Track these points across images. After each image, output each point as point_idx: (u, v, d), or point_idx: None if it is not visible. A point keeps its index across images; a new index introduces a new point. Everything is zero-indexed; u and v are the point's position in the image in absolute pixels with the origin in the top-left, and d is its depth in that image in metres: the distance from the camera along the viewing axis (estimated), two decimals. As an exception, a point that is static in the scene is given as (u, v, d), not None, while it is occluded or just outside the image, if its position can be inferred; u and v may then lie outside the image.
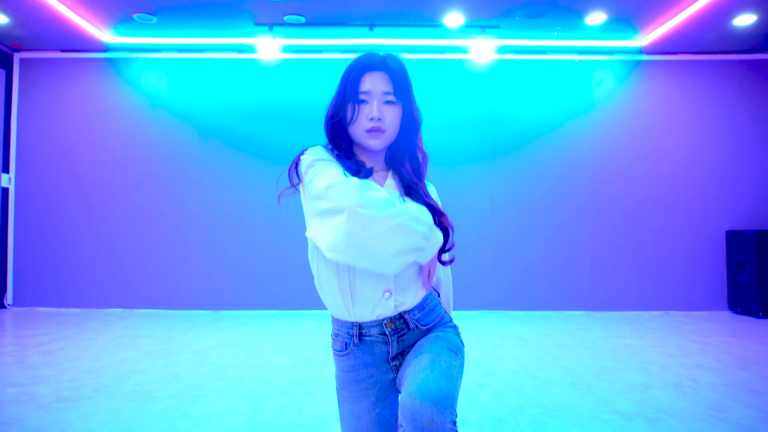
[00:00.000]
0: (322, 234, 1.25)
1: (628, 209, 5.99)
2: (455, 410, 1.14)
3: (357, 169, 1.33)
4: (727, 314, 5.69)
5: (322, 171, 1.28)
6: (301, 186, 1.36)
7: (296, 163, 1.38)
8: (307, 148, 1.39)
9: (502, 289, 5.92)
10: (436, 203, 1.39)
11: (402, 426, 1.13)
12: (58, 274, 5.92)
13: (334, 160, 1.34)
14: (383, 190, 1.25)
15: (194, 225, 5.98)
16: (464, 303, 5.80)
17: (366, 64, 1.37)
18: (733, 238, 5.76)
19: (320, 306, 5.53)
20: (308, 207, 1.33)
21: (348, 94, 1.36)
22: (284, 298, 5.86)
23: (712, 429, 2.35)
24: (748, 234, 5.53)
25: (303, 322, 5.15)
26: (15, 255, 5.94)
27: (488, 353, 3.88)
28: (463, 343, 1.40)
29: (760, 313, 5.38)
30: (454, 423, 1.11)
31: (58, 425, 2.38)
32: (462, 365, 1.33)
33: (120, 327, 4.90)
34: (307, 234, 1.34)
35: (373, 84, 1.35)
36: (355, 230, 1.18)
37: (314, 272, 1.42)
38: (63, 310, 5.81)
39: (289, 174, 1.40)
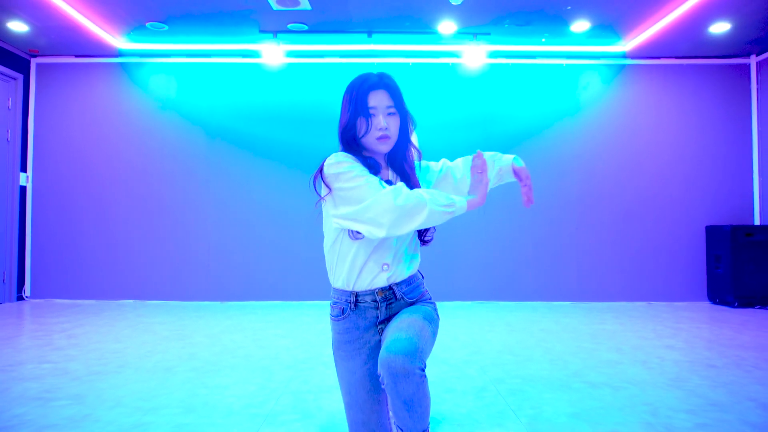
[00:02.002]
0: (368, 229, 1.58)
1: (613, 206, 6.33)
2: (424, 361, 1.45)
3: (368, 165, 1.66)
4: (706, 304, 6.03)
5: (355, 185, 1.58)
6: (327, 193, 1.65)
7: (320, 172, 1.66)
8: (327, 157, 1.67)
9: (494, 281, 6.26)
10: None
11: (380, 374, 1.45)
12: (73, 268, 6.26)
13: (355, 161, 1.65)
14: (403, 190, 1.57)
15: (202, 221, 6.31)
16: (457, 294, 6.15)
17: (370, 84, 1.69)
18: (712, 233, 6.10)
19: (321, 297, 5.93)
20: (339, 205, 1.63)
21: (359, 111, 1.68)
22: (287, 290, 6.20)
23: (668, 395, 2.68)
24: (725, 229, 5.86)
25: (305, 312, 5.49)
26: (33, 249, 6.28)
27: (477, 336, 4.22)
28: (438, 316, 1.77)
29: (736, 303, 5.72)
30: (422, 369, 1.42)
31: (93, 392, 2.71)
32: (434, 332, 1.68)
33: (134, 316, 5.23)
34: (339, 223, 1.63)
35: (377, 101, 1.69)
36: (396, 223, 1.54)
37: (331, 252, 1.74)
38: (78, 301, 6.14)
39: (314, 185, 1.71)
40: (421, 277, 1.84)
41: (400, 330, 1.53)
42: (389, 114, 1.70)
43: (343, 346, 1.76)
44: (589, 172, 6.35)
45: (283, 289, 6.22)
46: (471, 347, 3.82)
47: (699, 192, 6.32)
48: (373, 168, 1.67)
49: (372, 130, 1.68)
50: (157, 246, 6.29)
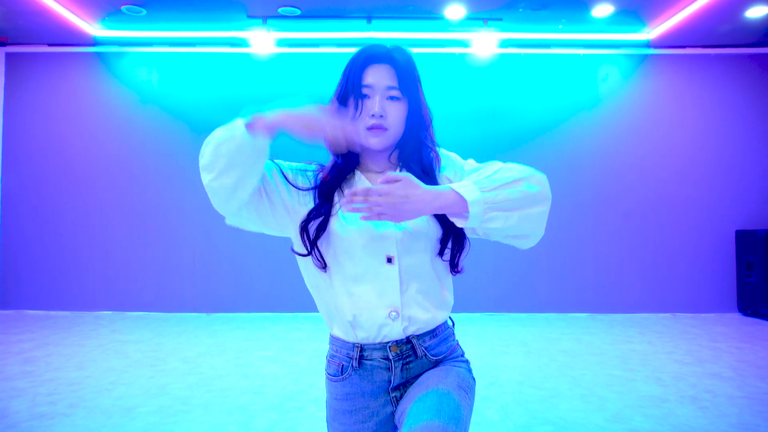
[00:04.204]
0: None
1: (633, 207, 5.81)
2: None
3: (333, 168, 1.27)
4: (736, 316, 5.51)
5: None
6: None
7: None
8: None
9: (504, 290, 5.74)
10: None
11: None
12: (47, 276, 5.73)
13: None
14: None
15: (188, 224, 5.79)
16: (465, 305, 5.62)
17: (369, 56, 1.21)
18: (743, 237, 5.58)
19: (317, 309, 5.38)
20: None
21: (349, 89, 1.21)
22: (280, 300, 5.67)
23: (736, 450, 2.17)
24: (759, 234, 5.35)
25: (299, 326, 4.98)
26: (1, 256, 5.75)
27: (491, 361, 3.70)
28: (474, 380, 1.23)
29: (772, 316, 5.21)
30: None
31: (28, 447, 2.20)
32: (471, 406, 1.15)
33: (109, 332, 4.71)
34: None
35: (376, 78, 1.19)
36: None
37: (313, 290, 1.31)
38: (52, 313, 5.62)
39: None
40: (451, 323, 1.31)
41: (428, 409, 1.05)
42: (391, 98, 1.20)
43: (340, 417, 1.24)
44: (607, 170, 5.83)
45: (276, 299, 5.69)
46: (486, 377, 3.31)
47: (728, 193, 5.79)
48: (339, 172, 1.26)
49: (362, 116, 1.19)
50: (138, 252, 5.77)
